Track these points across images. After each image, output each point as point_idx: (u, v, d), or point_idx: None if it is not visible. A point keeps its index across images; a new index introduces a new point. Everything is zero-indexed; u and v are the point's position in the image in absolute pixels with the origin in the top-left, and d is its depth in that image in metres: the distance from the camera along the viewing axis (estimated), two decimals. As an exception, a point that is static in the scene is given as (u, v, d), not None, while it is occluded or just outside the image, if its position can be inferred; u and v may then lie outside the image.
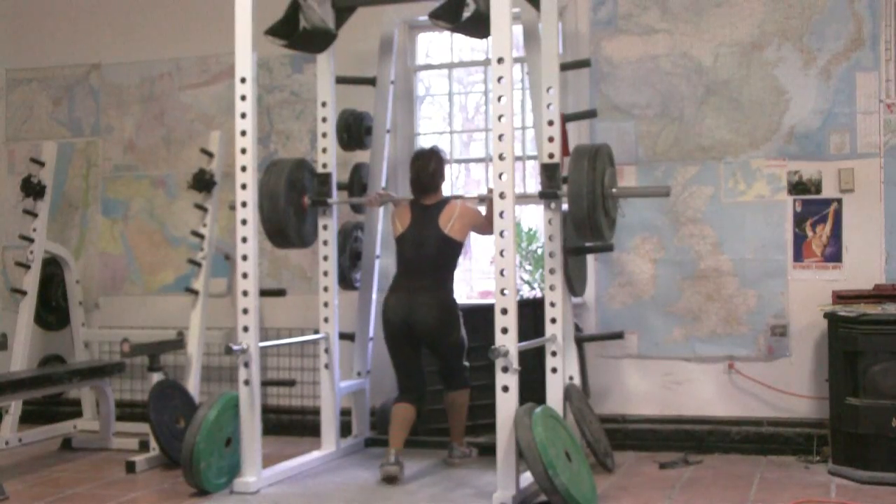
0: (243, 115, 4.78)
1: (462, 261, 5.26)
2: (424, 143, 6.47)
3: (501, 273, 4.36)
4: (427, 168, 5.14)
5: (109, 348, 6.51)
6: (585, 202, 4.61)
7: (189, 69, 6.59)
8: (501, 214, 4.36)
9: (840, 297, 5.21)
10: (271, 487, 4.83)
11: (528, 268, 6.06)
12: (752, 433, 5.51)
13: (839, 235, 5.44)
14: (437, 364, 5.21)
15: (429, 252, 5.05)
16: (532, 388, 4.95)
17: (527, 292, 5.97)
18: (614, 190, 4.80)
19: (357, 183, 5.80)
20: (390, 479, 4.84)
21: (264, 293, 5.27)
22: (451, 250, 5.09)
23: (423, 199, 5.17)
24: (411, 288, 5.04)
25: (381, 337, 5.32)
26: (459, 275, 6.48)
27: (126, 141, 6.73)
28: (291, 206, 5.25)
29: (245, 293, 4.77)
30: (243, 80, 4.77)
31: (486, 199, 5.04)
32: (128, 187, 6.72)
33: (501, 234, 4.36)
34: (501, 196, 4.37)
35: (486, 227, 5.09)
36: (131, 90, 6.72)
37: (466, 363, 5.18)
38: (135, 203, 6.70)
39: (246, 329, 4.77)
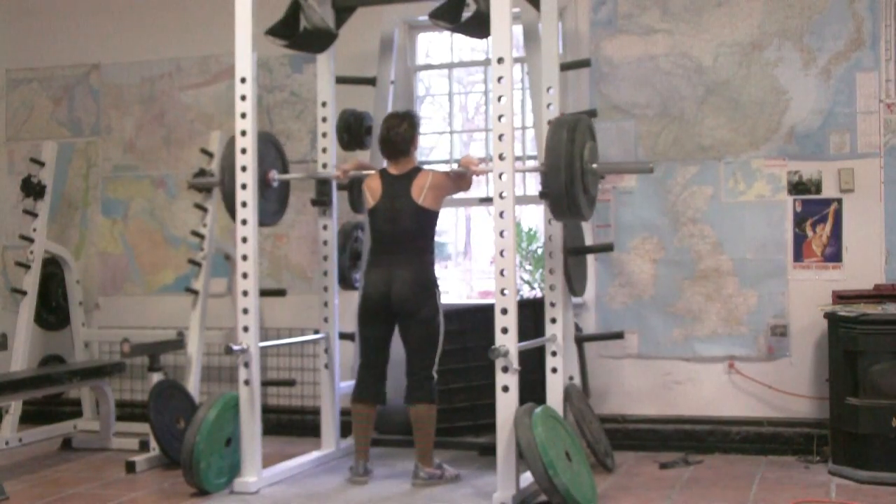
0: (243, 115, 4.78)
1: (439, 230, 5.04)
2: (424, 143, 6.49)
3: (501, 273, 4.36)
4: (398, 128, 4.93)
5: (109, 348, 6.51)
6: (563, 176, 4.38)
7: (189, 69, 6.59)
8: (501, 214, 4.36)
9: (840, 297, 5.21)
10: (271, 487, 4.83)
11: (528, 268, 6.06)
12: (752, 433, 5.51)
13: (839, 235, 5.44)
14: (406, 359, 4.96)
15: (404, 225, 4.87)
16: (532, 388, 4.95)
17: (527, 292, 5.98)
18: (595, 165, 4.58)
19: (357, 183, 5.78)
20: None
21: (264, 293, 5.26)
22: (427, 221, 4.91)
23: (393, 166, 4.97)
24: (390, 262, 4.87)
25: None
26: (458, 274, 6.49)
27: (126, 141, 6.73)
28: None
29: (245, 293, 4.78)
30: (243, 80, 4.77)
31: (458, 173, 4.91)
32: (128, 187, 6.72)
33: (501, 234, 4.36)
34: (501, 196, 4.37)
35: (455, 190, 4.98)
36: (131, 90, 6.72)
37: (435, 374, 4.90)
38: (135, 203, 6.70)
39: (246, 329, 4.77)
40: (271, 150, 5.25)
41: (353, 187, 5.79)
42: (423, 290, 4.86)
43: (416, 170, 4.96)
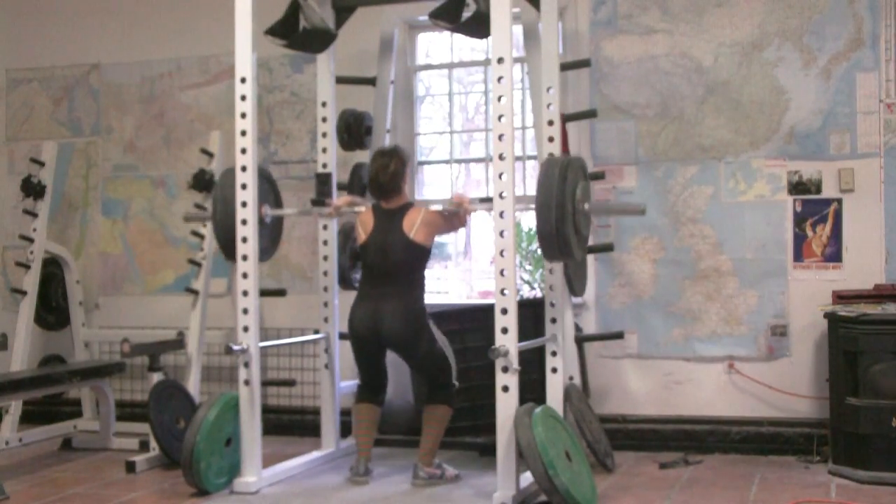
0: (243, 115, 4.78)
1: (430, 267, 4.98)
2: (424, 142, 6.49)
3: (501, 273, 4.36)
4: (387, 168, 4.86)
5: (109, 348, 6.51)
6: (554, 215, 4.30)
7: (189, 69, 6.59)
8: (501, 214, 4.36)
9: (840, 297, 5.21)
10: (271, 487, 4.83)
11: (528, 268, 6.06)
12: (752, 433, 5.51)
13: (839, 235, 5.44)
14: (423, 379, 5.04)
15: (394, 258, 4.82)
16: (532, 388, 4.95)
17: (527, 292, 5.98)
18: (587, 205, 4.51)
19: (357, 183, 5.79)
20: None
21: (264, 293, 5.26)
22: (418, 256, 4.86)
23: (385, 202, 4.91)
24: (377, 296, 4.82)
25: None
26: (458, 274, 6.49)
27: (126, 141, 6.73)
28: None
29: (245, 293, 4.78)
30: (243, 80, 4.77)
31: (450, 212, 4.86)
32: (128, 187, 6.72)
33: (501, 234, 4.36)
34: (501, 196, 4.37)
35: (448, 229, 4.97)
36: (131, 90, 6.72)
37: (456, 382, 4.96)
38: (135, 203, 6.70)
39: (246, 329, 4.77)
40: (264, 185, 5.12)
41: (354, 187, 5.80)
42: (414, 322, 4.81)
43: (409, 205, 4.93)
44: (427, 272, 4.97)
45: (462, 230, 5.03)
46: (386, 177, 4.87)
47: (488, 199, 5.08)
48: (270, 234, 5.19)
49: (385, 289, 4.83)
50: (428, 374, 4.94)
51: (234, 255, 4.85)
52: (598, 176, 5.44)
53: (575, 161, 4.53)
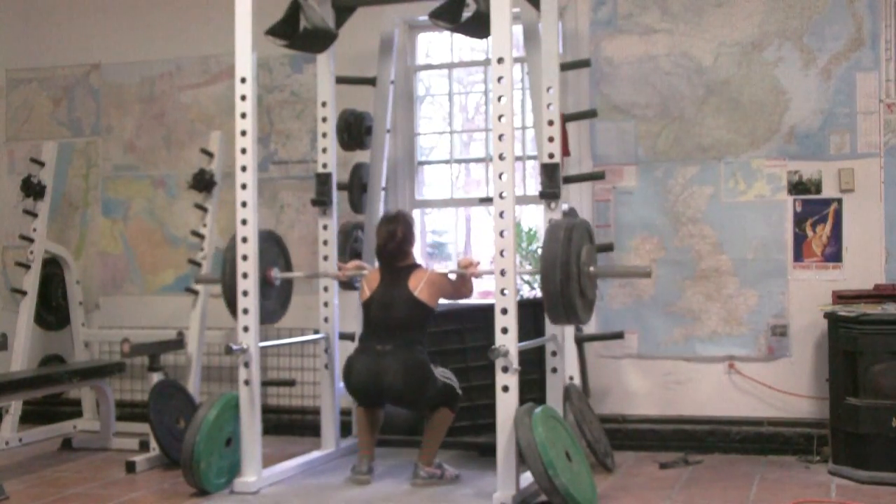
0: (243, 115, 4.78)
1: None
2: (424, 142, 6.49)
3: (501, 273, 4.36)
4: (394, 237, 4.88)
5: (109, 348, 6.51)
6: (558, 276, 4.27)
7: (189, 69, 6.59)
8: (501, 214, 4.36)
9: (840, 297, 5.21)
10: (271, 487, 4.83)
11: (529, 268, 6.06)
12: (752, 433, 5.51)
13: (839, 235, 5.44)
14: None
15: (397, 313, 4.81)
16: (532, 388, 4.96)
17: (527, 292, 5.98)
18: (592, 268, 4.48)
19: (357, 183, 5.80)
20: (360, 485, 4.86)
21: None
22: (421, 314, 4.83)
23: (392, 263, 4.94)
24: (377, 352, 4.77)
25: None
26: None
27: (126, 141, 6.73)
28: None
29: (245, 293, 4.77)
30: (243, 80, 4.77)
31: (457, 274, 4.87)
32: (128, 187, 6.72)
33: (501, 234, 4.36)
34: (501, 196, 4.37)
35: (454, 295, 4.94)
36: (131, 90, 6.72)
37: (460, 392, 4.95)
38: (135, 203, 6.70)
39: (246, 329, 4.77)
40: (273, 248, 5.20)
41: (354, 187, 5.80)
42: (416, 375, 4.75)
43: (416, 265, 4.96)
44: (428, 332, 4.93)
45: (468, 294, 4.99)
46: (394, 245, 4.90)
47: (488, 200, 5.09)
48: (279, 297, 5.22)
49: (385, 346, 4.79)
50: (436, 403, 4.90)
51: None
52: (598, 176, 5.45)
53: (580, 224, 4.52)
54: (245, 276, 4.77)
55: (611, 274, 5.04)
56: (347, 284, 5.63)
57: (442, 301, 4.94)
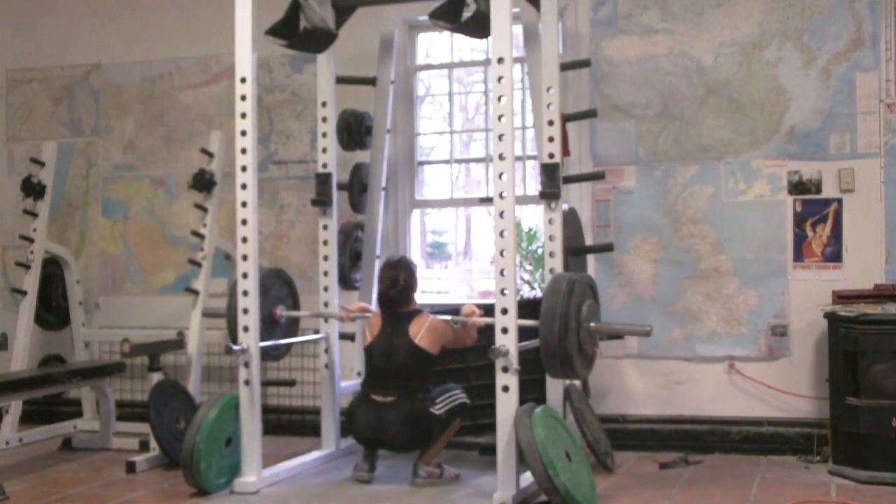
0: (243, 115, 4.77)
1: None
2: (424, 142, 6.49)
3: (501, 273, 4.36)
4: (396, 284, 4.91)
5: (109, 348, 6.51)
6: (557, 327, 4.25)
7: (189, 69, 6.59)
8: (501, 214, 4.36)
9: (840, 297, 5.21)
10: (271, 487, 4.83)
11: (528, 268, 6.06)
12: (752, 433, 5.51)
13: (839, 235, 5.44)
14: None
15: (398, 362, 4.83)
16: (532, 389, 4.95)
17: (527, 292, 5.98)
18: (592, 324, 4.44)
19: (357, 183, 5.80)
20: (362, 482, 4.87)
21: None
22: (422, 361, 4.85)
23: (394, 309, 4.97)
24: (379, 404, 4.81)
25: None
26: (458, 274, 6.49)
27: (126, 141, 6.73)
28: (261, 315, 4.85)
29: (245, 293, 4.77)
30: (243, 80, 4.77)
31: (459, 322, 4.84)
32: (128, 187, 6.72)
33: (501, 234, 4.36)
34: (501, 196, 4.37)
35: (456, 343, 4.94)
36: (131, 90, 6.72)
37: (467, 401, 4.96)
38: (135, 203, 6.70)
39: (246, 329, 4.77)
40: (282, 287, 5.26)
41: (354, 187, 5.80)
42: (421, 428, 4.78)
43: (418, 311, 4.96)
44: (430, 377, 4.93)
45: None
46: (396, 291, 4.92)
47: (488, 200, 5.09)
48: (284, 335, 5.25)
49: (386, 397, 4.82)
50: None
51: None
52: (598, 176, 5.45)
53: (584, 278, 4.53)
54: (245, 276, 4.77)
55: (611, 332, 4.93)
56: (348, 284, 5.63)
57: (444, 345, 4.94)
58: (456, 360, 5.34)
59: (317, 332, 5.50)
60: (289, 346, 5.38)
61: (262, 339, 4.88)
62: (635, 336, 5.40)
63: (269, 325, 5.08)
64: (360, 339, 5.28)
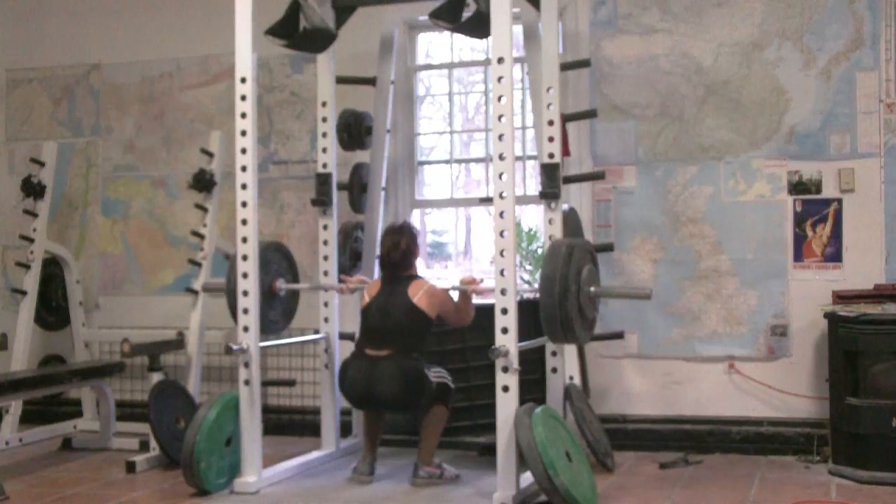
0: (243, 115, 4.78)
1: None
2: (424, 142, 6.49)
3: (501, 273, 4.36)
4: (398, 248, 4.90)
5: (109, 348, 6.51)
6: (557, 290, 4.25)
7: (189, 69, 6.59)
8: (501, 214, 4.36)
9: (840, 297, 5.21)
10: (271, 487, 4.83)
11: (529, 268, 6.05)
12: (753, 433, 5.51)
13: (839, 235, 5.44)
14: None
15: (394, 320, 4.81)
16: (532, 389, 4.95)
17: (527, 292, 5.97)
18: (592, 289, 4.45)
19: (357, 183, 5.80)
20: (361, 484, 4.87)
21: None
22: (419, 322, 4.82)
23: (394, 273, 4.95)
24: (372, 357, 4.77)
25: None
26: (458, 274, 6.48)
27: (126, 141, 6.73)
28: (260, 288, 4.85)
29: (245, 293, 4.77)
30: (243, 80, 4.77)
31: (459, 290, 4.87)
32: (128, 187, 6.72)
33: (501, 234, 4.36)
34: (501, 196, 4.37)
35: (455, 314, 4.93)
36: (131, 90, 6.72)
37: (451, 385, 4.93)
38: (135, 203, 6.70)
39: (246, 329, 4.77)
40: (281, 260, 5.26)
41: (354, 187, 5.80)
42: (413, 383, 4.73)
43: (417, 277, 4.97)
44: (426, 340, 4.91)
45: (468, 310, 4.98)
46: (397, 256, 4.92)
47: (488, 200, 5.09)
48: (283, 309, 5.25)
49: (380, 351, 4.79)
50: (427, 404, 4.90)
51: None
52: (598, 176, 5.45)
53: (583, 243, 4.53)
54: (245, 276, 4.77)
55: (611, 295, 4.98)
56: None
57: (441, 317, 4.93)
58: (456, 360, 5.34)
59: (317, 332, 5.50)
60: (288, 316, 5.34)
61: (262, 311, 4.88)
62: (636, 299, 5.38)
63: (269, 298, 5.08)
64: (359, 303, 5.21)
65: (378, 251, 5.22)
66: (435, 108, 6.86)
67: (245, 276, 4.77)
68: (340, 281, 5.36)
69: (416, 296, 4.84)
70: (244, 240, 4.78)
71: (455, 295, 4.96)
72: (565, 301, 4.28)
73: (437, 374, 4.87)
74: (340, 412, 5.49)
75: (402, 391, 4.73)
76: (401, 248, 4.92)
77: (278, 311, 5.23)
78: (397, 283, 4.91)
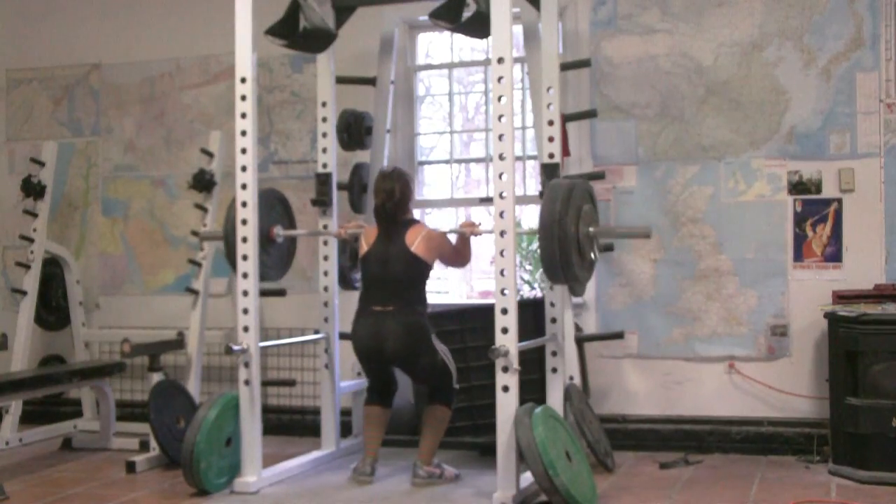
0: (243, 115, 4.78)
1: (430, 282, 4.95)
2: (424, 143, 6.49)
3: (501, 273, 4.35)
4: (392, 196, 4.86)
5: (109, 348, 6.51)
6: (556, 233, 4.28)
7: (189, 69, 6.59)
8: (501, 214, 4.36)
9: (840, 297, 5.21)
10: (271, 487, 4.83)
11: (528, 268, 6.07)
12: (753, 433, 5.51)
13: (839, 235, 5.44)
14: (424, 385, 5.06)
15: (394, 270, 4.82)
16: (532, 389, 4.95)
17: (527, 292, 5.98)
18: (592, 229, 4.48)
19: (357, 183, 5.80)
20: (361, 484, 4.87)
21: (264, 293, 5.25)
22: (418, 269, 4.85)
23: (391, 220, 4.93)
24: (378, 313, 4.81)
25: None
26: (458, 274, 6.49)
27: (126, 141, 6.73)
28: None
29: (245, 293, 4.78)
30: (243, 80, 4.77)
31: (457, 233, 4.90)
32: (128, 187, 6.72)
33: (501, 234, 4.36)
34: (501, 196, 4.37)
35: (453, 256, 4.95)
36: (131, 90, 6.72)
37: (456, 386, 4.97)
38: (135, 203, 6.70)
39: (246, 329, 4.77)
40: (277, 206, 5.25)
41: (354, 187, 5.80)
42: (416, 338, 4.81)
43: (414, 221, 4.97)
44: (428, 287, 4.94)
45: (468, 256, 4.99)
46: (392, 205, 4.89)
47: (488, 200, 5.09)
48: (281, 255, 5.25)
49: (386, 306, 4.82)
50: (429, 384, 4.96)
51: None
52: (598, 176, 5.45)
53: (581, 184, 4.52)
54: (245, 276, 4.77)
55: (610, 234, 5.04)
56: (348, 284, 5.63)
57: (439, 262, 4.95)
58: (456, 360, 5.33)
59: (317, 332, 5.50)
60: (283, 267, 5.32)
61: (260, 258, 4.85)
62: (635, 238, 5.39)
63: (266, 245, 5.06)
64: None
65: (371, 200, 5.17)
66: (435, 108, 6.86)
67: (245, 276, 4.77)
68: (339, 226, 5.31)
69: (415, 243, 4.84)
70: (244, 239, 4.78)
71: (453, 238, 4.96)
72: (566, 244, 4.29)
73: (442, 350, 4.90)
74: (340, 412, 5.49)
75: (407, 347, 4.79)
76: (395, 196, 4.88)
77: (275, 257, 5.19)
78: (395, 230, 4.90)
